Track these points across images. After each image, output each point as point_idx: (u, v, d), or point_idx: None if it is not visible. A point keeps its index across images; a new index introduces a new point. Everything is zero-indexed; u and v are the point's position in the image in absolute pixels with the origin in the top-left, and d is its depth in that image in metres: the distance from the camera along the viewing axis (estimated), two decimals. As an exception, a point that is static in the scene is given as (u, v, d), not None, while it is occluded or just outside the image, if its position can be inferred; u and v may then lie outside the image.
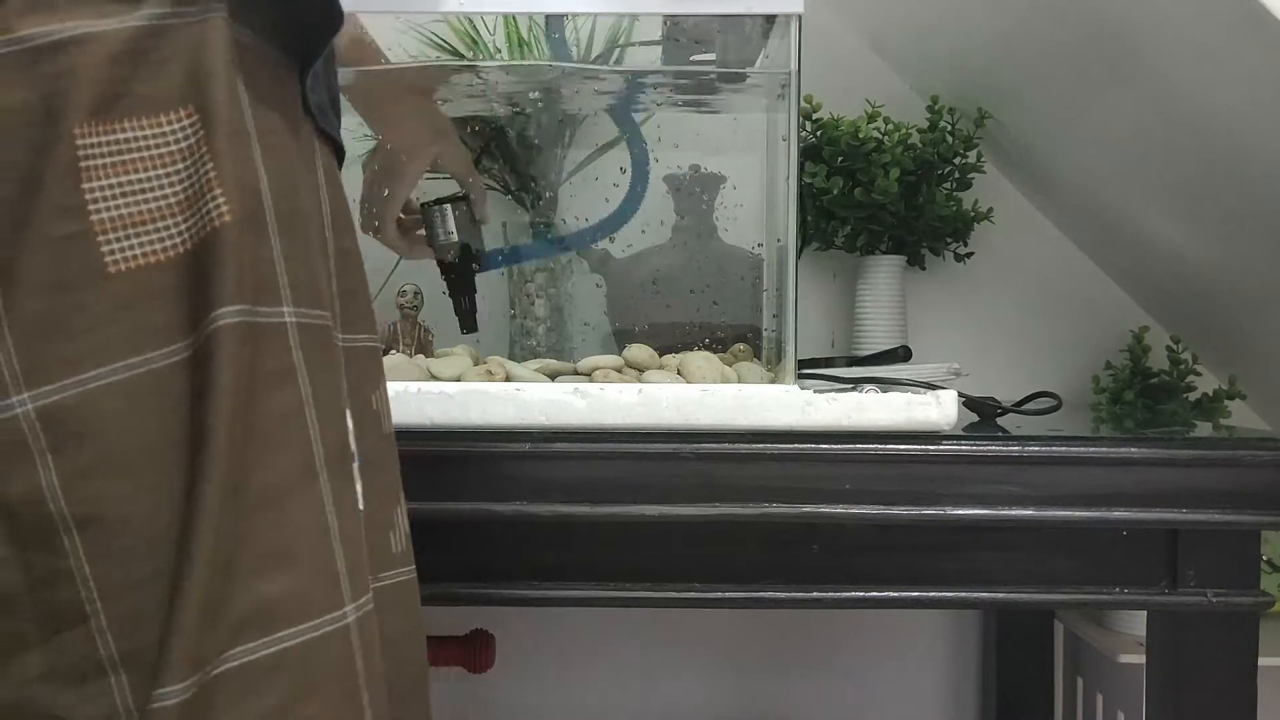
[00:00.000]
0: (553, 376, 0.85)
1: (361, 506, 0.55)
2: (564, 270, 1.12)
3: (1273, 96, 0.85)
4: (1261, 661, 0.81)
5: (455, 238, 1.01)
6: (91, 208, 0.46)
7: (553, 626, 1.40)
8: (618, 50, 1.14)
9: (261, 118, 0.51)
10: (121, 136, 0.47)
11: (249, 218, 0.49)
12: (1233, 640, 0.81)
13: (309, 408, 0.51)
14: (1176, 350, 1.25)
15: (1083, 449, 0.80)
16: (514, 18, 1.13)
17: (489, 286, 1.16)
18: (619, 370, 0.86)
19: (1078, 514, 0.79)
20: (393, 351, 0.93)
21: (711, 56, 0.94)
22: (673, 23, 0.93)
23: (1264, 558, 0.84)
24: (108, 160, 0.47)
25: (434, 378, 0.84)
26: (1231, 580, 0.80)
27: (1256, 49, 0.81)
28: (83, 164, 0.46)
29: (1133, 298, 1.38)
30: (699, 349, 0.94)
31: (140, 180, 0.47)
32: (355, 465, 0.55)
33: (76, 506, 0.46)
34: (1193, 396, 1.24)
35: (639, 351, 0.87)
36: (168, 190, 0.48)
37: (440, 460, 0.79)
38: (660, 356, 0.88)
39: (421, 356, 0.91)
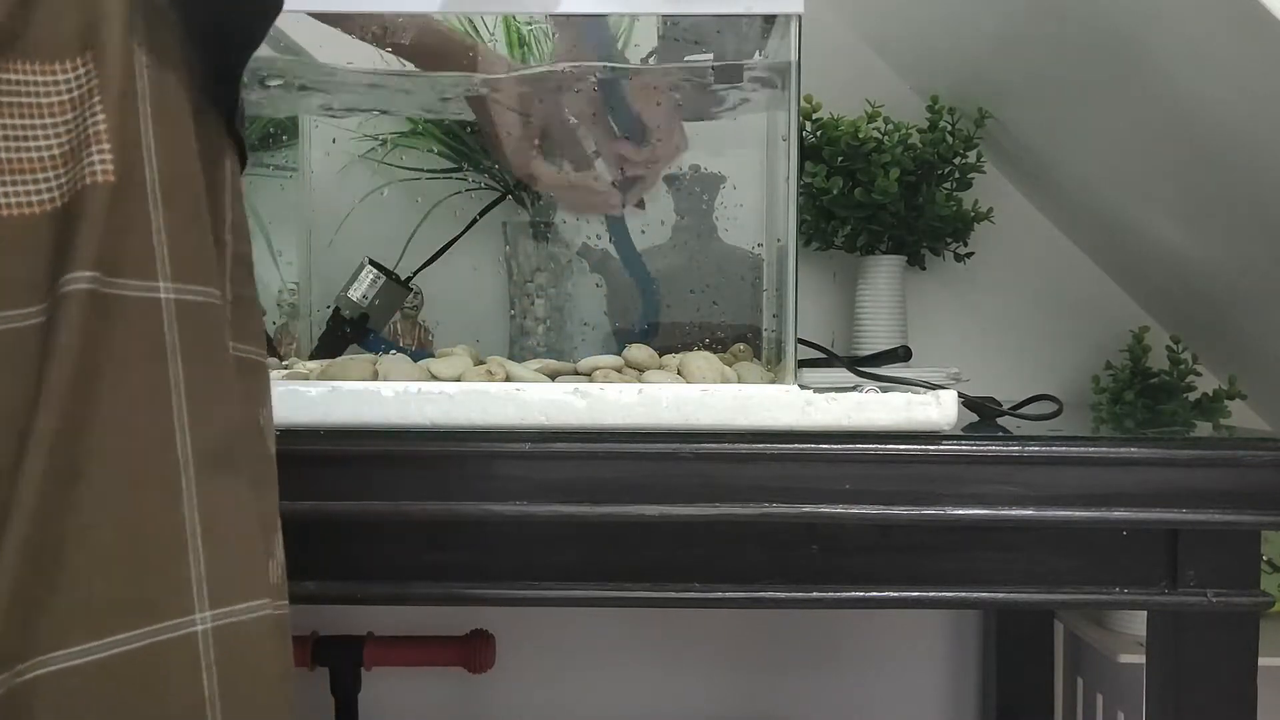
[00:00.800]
0: (553, 376, 0.85)
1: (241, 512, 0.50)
2: (564, 270, 1.12)
3: (1273, 95, 0.85)
4: (1261, 661, 0.81)
5: (365, 303, 1.02)
6: None
7: (553, 626, 1.41)
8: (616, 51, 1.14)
9: (159, 84, 0.48)
10: (15, 78, 0.44)
11: (129, 181, 0.46)
12: (1233, 640, 0.81)
13: (178, 394, 0.47)
14: (1176, 350, 1.25)
15: (1083, 449, 0.80)
16: (514, 17, 1.14)
17: (489, 287, 1.16)
18: (619, 370, 0.86)
19: (1078, 514, 0.79)
20: (393, 352, 0.93)
21: (709, 55, 0.94)
22: (670, 23, 0.93)
23: (1264, 558, 0.84)
24: (3, 99, 0.44)
25: (434, 378, 0.84)
26: (1231, 580, 0.80)
27: (1256, 49, 0.81)
28: None
29: (1133, 298, 1.38)
30: (699, 349, 0.94)
31: (25, 127, 0.44)
32: (245, 468, 0.51)
33: None
34: (1193, 396, 1.24)
35: (639, 351, 0.87)
36: (52, 141, 0.45)
37: (440, 460, 0.79)
38: (660, 356, 0.88)
39: (404, 357, 0.90)
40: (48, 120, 0.45)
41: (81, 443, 0.44)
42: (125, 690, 0.44)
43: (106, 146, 0.45)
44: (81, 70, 0.45)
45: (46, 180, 0.44)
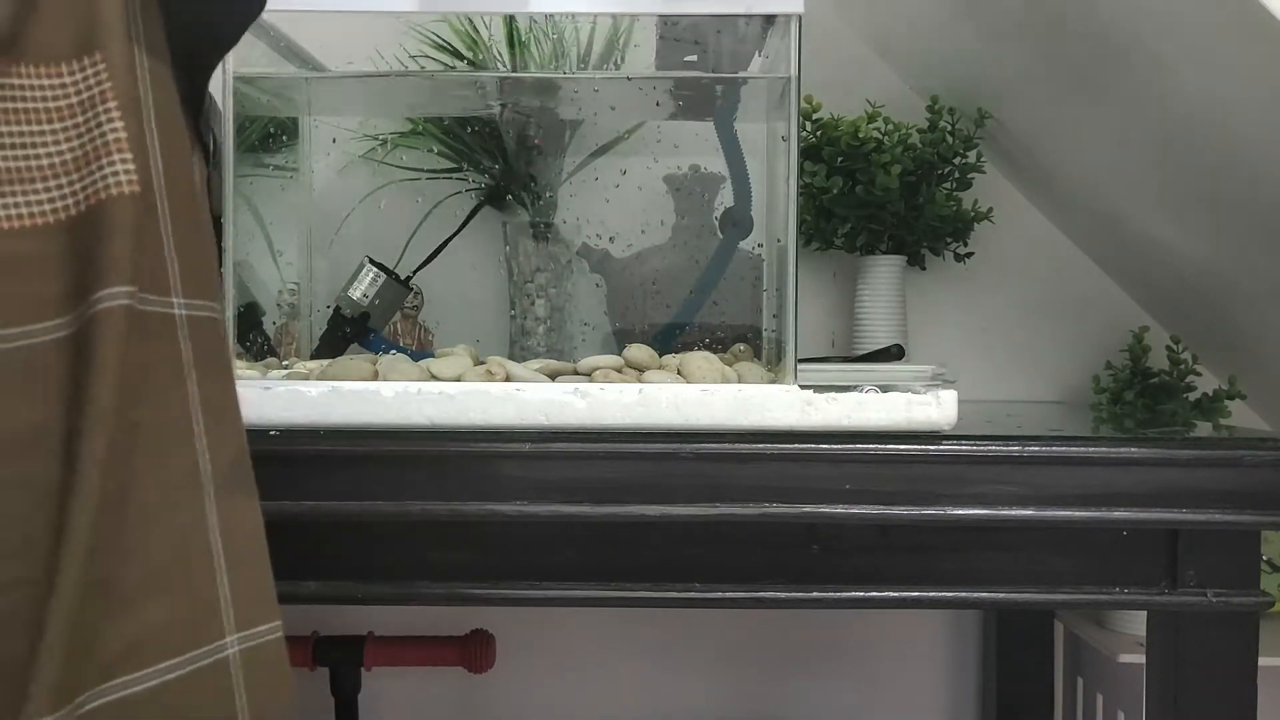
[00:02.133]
0: (553, 376, 0.85)
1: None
2: (564, 270, 1.12)
3: (1272, 95, 0.85)
4: (1261, 661, 0.81)
5: (365, 303, 1.02)
6: None
7: (553, 626, 1.41)
8: (616, 53, 1.14)
9: (159, 87, 0.46)
10: (18, 81, 0.42)
11: (148, 192, 0.44)
12: (1233, 640, 0.81)
13: (197, 413, 0.46)
14: (1176, 350, 1.25)
15: (1083, 449, 0.80)
16: (513, 18, 1.13)
17: (489, 286, 1.16)
18: (619, 370, 0.86)
19: (1078, 514, 0.79)
20: (393, 352, 0.93)
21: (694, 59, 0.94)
22: (669, 23, 0.93)
23: (1264, 558, 0.84)
24: (3, 105, 0.41)
25: (434, 378, 0.84)
26: (1231, 580, 0.80)
27: (1257, 49, 0.81)
28: None
29: (1133, 298, 1.38)
30: (699, 349, 0.94)
31: (29, 134, 0.42)
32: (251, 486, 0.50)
33: None
34: (1193, 396, 1.24)
35: (639, 351, 0.87)
36: (62, 147, 0.42)
37: (440, 460, 0.79)
38: (660, 356, 0.88)
39: (404, 357, 0.90)
40: (55, 125, 0.43)
41: (128, 465, 0.43)
42: (174, 716, 0.44)
43: (129, 155, 0.43)
44: (89, 71, 0.43)
45: (57, 188, 0.42)
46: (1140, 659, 1.13)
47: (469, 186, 1.15)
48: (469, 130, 1.13)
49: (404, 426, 0.80)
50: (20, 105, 0.42)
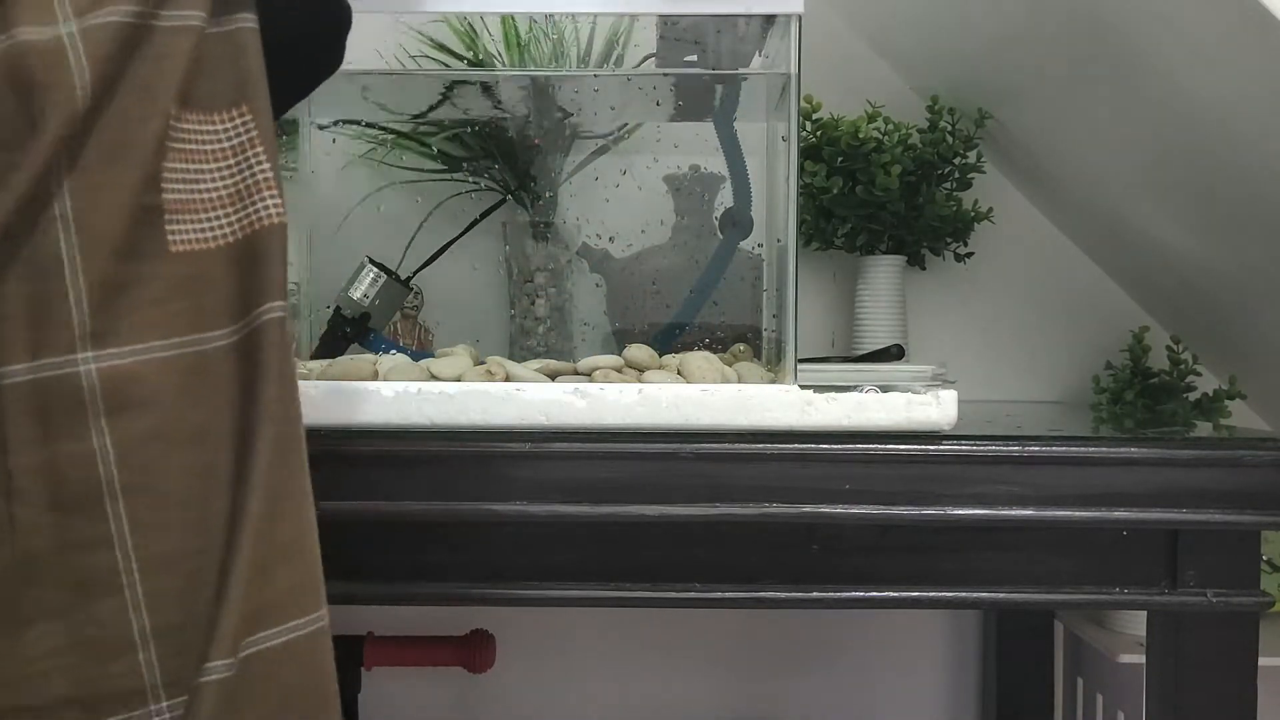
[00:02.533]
0: (553, 376, 0.85)
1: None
2: (564, 270, 1.12)
3: (1272, 96, 0.85)
4: (1261, 661, 0.81)
5: (366, 303, 1.02)
6: (165, 186, 0.49)
7: (553, 626, 1.41)
8: (616, 52, 1.14)
9: None
10: (188, 126, 0.50)
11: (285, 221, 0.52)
12: (1233, 640, 0.81)
13: (298, 405, 0.53)
14: (1176, 350, 1.25)
15: (1083, 449, 0.80)
16: (513, 18, 1.14)
17: (489, 286, 1.16)
18: (619, 370, 0.86)
19: (1078, 514, 0.79)
20: (393, 352, 0.93)
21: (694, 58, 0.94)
22: (669, 22, 0.93)
23: (1264, 558, 0.84)
24: (179, 145, 0.49)
25: (434, 378, 0.84)
26: (1231, 580, 0.80)
27: (1256, 49, 0.81)
28: (168, 143, 0.49)
29: (1133, 298, 1.38)
30: (699, 349, 0.94)
31: (197, 170, 0.50)
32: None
33: (127, 473, 0.47)
34: (1193, 396, 1.24)
35: (639, 351, 0.87)
36: (218, 184, 0.50)
37: (440, 460, 0.79)
38: (660, 356, 0.88)
39: (404, 358, 0.90)
40: (214, 165, 0.50)
41: (282, 451, 0.50)
42: (297, 674, 0.51)
43: (275, 191, 0.52)
44: (238, 121, 0.51)
45: (219, 218, 0.50)
46: (1140, 659, 1.13)
47: (470, 187, 1.15)
48: (469, 130, 1.13)
49: (404, 426, 0.80)
50: (187, 146, 0.50)
